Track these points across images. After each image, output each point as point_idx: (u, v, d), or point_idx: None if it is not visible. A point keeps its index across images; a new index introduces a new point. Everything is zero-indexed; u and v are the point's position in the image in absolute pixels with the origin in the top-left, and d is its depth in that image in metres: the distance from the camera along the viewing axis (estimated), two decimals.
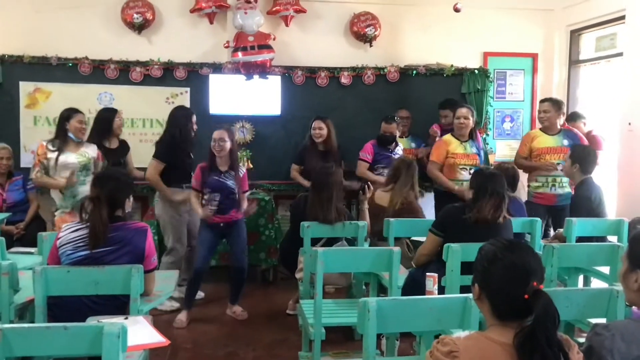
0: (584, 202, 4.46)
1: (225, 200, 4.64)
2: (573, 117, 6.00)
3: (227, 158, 4.66)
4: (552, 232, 5.21)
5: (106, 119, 5.18)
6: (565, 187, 5.24)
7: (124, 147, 5.32)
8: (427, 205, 5.69)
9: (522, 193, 5.37)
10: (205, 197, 4.64)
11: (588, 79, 6.71)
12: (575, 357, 1.63)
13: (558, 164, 5.20)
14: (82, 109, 4.95)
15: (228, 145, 4.61)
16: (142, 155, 5.46)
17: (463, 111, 5.29)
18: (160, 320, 4.44)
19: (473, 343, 1.62)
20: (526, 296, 1.57)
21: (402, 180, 4.84)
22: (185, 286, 4.82)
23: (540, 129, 5.49)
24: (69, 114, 4.75)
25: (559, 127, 5.37)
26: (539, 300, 1.56)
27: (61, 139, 4.70)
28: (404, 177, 4.84)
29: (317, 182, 4.40)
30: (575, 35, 6.78)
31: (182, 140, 4.95)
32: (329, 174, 4.37)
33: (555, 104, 5.38)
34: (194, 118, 5.08)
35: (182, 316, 4.66)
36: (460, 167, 5.24)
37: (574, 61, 6.83)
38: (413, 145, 6.14)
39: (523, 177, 5.39)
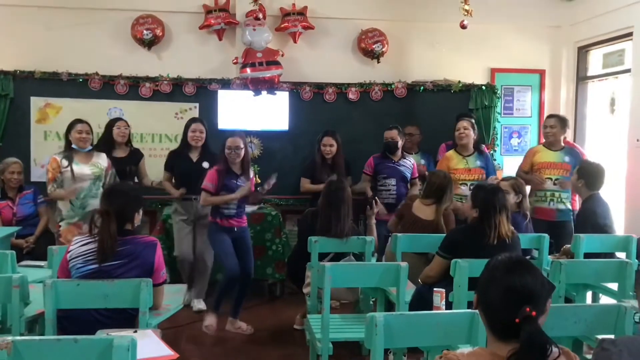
0: (590, 216, 4.45)
1: (241, 204, 4.72)
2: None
3: (240, 162, 4.71)
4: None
5: (107, 128, 5.33)
6: (564, 202, 5.27)
7: (133, 156, 5.38)
8: None
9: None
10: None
11: (596, 96, 6.72)
12: None
13: (557, 179, 5.27)
14: (92, 124, 4.95)
15: (243, 151, 4.67)
16: (151, 170, 5.50)
17: (463, 123, 5.39)
18: (169, 334, 4.44)
19: (475, 359, 1.62)
20: (517, 320, 1.56)
21: (447, 199, 4.63)
22: (217, 291, 4.81)
23: (543, 144, 5.54)
24: (70, 125, 4.81)
25: (562, 144, 5.42)
26: (527, 327, 1.54)
27: (68, 150, 4.77)
28: (448, 196, 4.63)
29: (331, 196, 4.38)
30: (582, 51, 6.79)
31: (182, 148, 5.23)
32: (342, 189, 4.38)
33: (562, 120, 5.44)
34: (195, 125, 5.19)
35: (212, 321, 4.66)
36: (460, 182, 5.28)
37: (581, 77, 6.83)
38: (423, 161, 6.13)
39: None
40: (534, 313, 1.56)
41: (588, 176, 4.59)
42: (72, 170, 4.66)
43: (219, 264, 5.33)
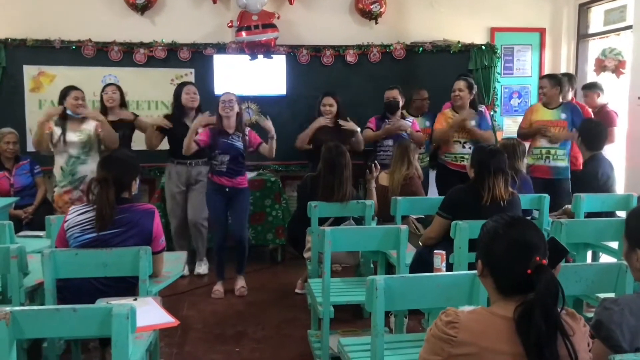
0: (591, 180, 4.44)
1: (233, 162, 4.76)
2: (589, 87, 5.93)
3: (234, 121, 4.78)
4: None
5: (100, 96, 5.28)
6: (560, 159, 5.26)
7: (125, 119, 5.28)
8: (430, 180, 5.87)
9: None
10: (215, 158, 4.76)
11: (597, 53, 6.61)
12: (581, 330, 1.62)
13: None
14: (86, 92, 4.97)
15: (236, 107, 4.77)
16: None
17: (460, 84, 5.37)
18: (170, 301, 4.47)
19: (475, 317, 1.62)
20: (529, 271, 1.56)
21: (396, 160, 4.93)
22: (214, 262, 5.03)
23: (541, 103, 5.54)
24: (65, 91, 4.80)
25: (559, 101, 5.41)
26: (542, 275, 1.55)
27: (61, 117, 4.74)
28: (398, 157, 4.93)
29: (333, 162, 4.36)
30: (583, 8, 6.69)
31: (178, 114, 5.19)
32: (342, 154, 4.36)
33: (552, 79, 5.44)
34: (188, 87, 5.17)
35: (219, 287, 4.89)
36: (454, 140, 5.34)
37: (582, 35, 6.74)
38: (427, 124, 5.99)
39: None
40: (544, 261, 1.57)
41: (585, 135, 4.59)
42: (64, 138, 4.69)
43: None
